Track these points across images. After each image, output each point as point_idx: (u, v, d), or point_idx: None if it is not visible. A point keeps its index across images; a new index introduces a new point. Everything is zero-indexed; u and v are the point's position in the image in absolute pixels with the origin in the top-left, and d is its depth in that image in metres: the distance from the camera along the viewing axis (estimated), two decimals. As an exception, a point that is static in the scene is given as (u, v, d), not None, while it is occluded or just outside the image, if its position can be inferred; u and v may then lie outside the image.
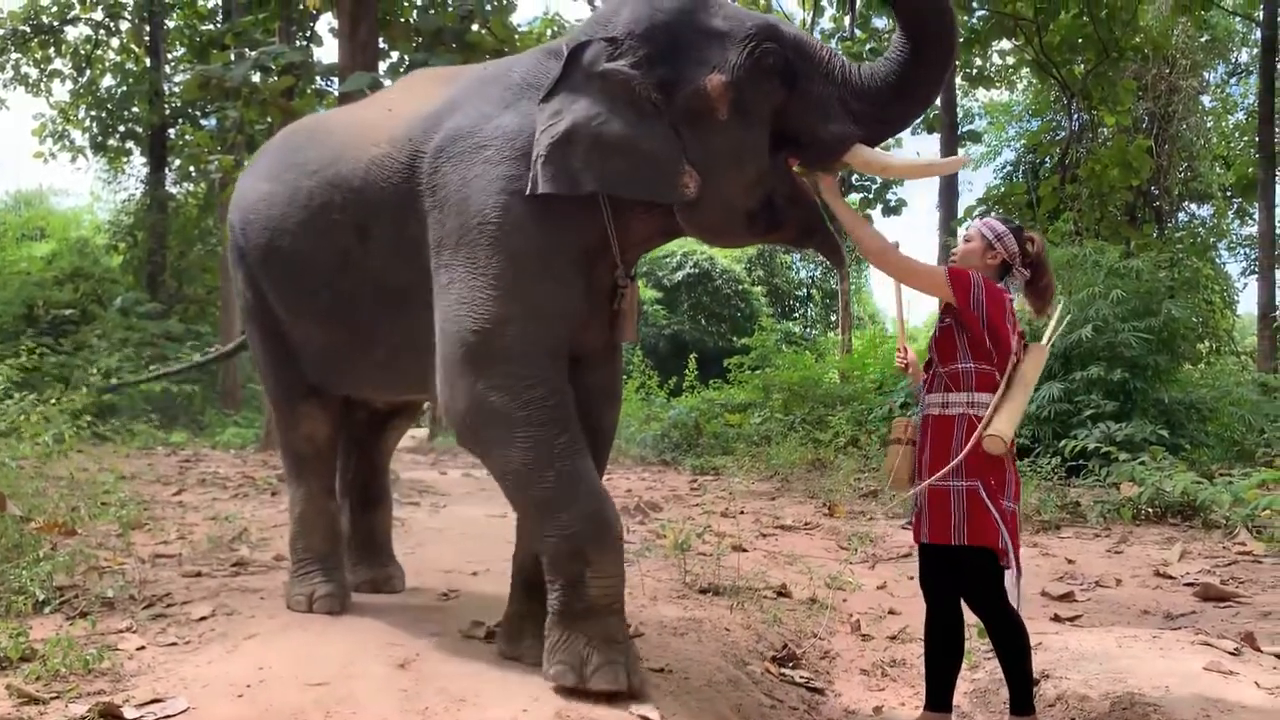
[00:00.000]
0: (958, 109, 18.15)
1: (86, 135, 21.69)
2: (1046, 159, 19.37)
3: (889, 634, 4.19)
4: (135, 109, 20.98)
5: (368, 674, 2.82)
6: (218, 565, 4.47)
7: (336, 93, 10.79)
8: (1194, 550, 5.74)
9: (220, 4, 18.87)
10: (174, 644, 3.17)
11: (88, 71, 21.35)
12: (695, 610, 4.00)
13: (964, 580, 2.90)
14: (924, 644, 3.06)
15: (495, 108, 3.00)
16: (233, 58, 12.82)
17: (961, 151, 15.84)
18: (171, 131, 21.19)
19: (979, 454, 2.80)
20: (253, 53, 11.68)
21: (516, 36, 11.84)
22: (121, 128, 21.77)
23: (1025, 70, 19.40)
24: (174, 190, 21.66)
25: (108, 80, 21.72)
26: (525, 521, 2.87)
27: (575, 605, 2.75)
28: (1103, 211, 16.53)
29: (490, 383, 2.81)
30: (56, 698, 2.62)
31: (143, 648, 3.10)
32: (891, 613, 4.46)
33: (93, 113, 21.58)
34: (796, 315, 31.92)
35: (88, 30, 21.12)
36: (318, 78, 12.32)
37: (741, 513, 6.94)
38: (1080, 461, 8.17)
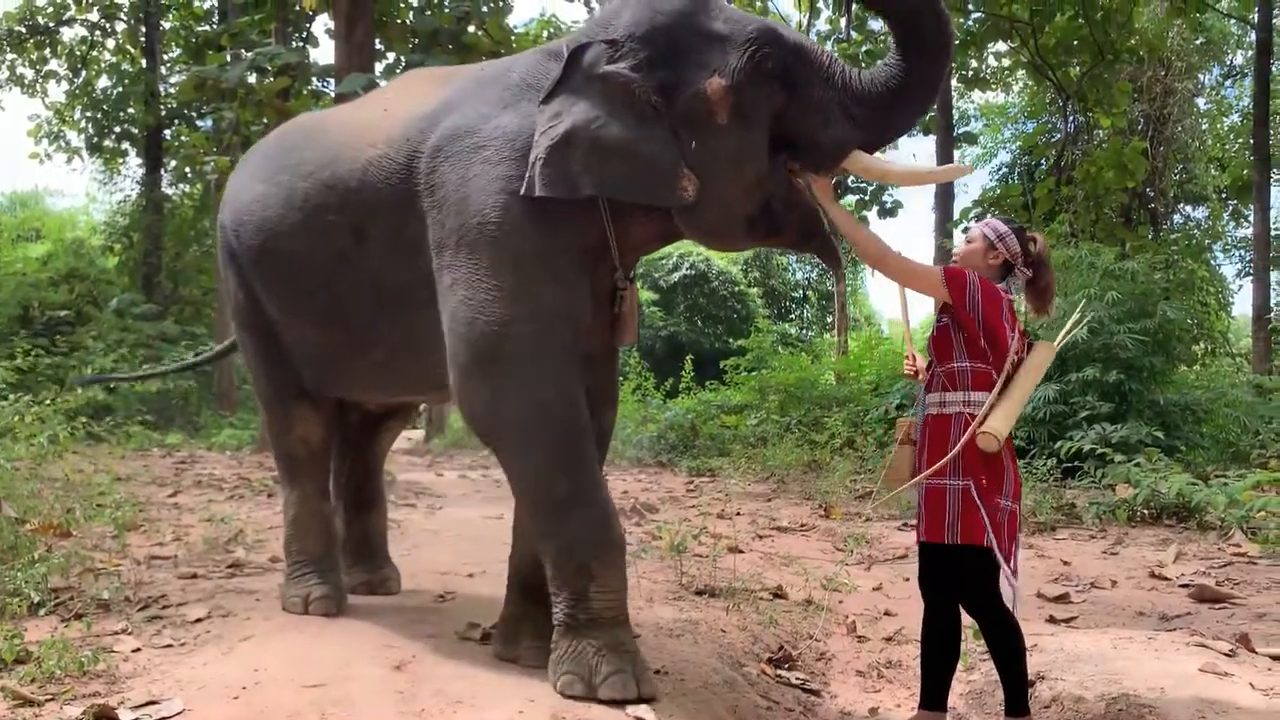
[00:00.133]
0: (953, 111, 18.17)
1: (82, 136, 21.67)
2: (1042, 161, 19.40)
3: (885, 635, 4.19)
4: (131, 110, 20.95)
5: (364, 676, 2.82)
6: (213, 567, 4.47)
7: (333, 94, 10.79)
8: (1189, 552, 5.74)
9: (216, 5, 18.86)
10: (169, 646, 3.16)
11: (83, 72, 21.31)
12: (691, 612, 4.00)
13: (959, 580, 2.90)
14: (920, 643, 3.07)
15: (494, 108, 3.00)
16: (229, 59, 12.82)
17: (958, 154, 15.87)
18: (167, 132, 21.14)
19: (974, 452, 2.81)
20: (249, 54, 11.68)
21: (513, 38, 11.86)
22: (117, 129, 21.73)
23: (1021, 72, 19.42)
24: (170, 191, 21.61)
25: (103, 81, 21.70)
26: (531, 524, 2.87)
27: (579, 616, 2.76)
28: (1098, 213, 16.58)
29: (502, 384, 2.83)
30: (51, 700, 2.62)
31: (138, 649, 3.10)
32: (887, 614, 4.46)
33: (88, 114, 21.54)
34: (792, 317, 31.94)
35: (83, 31, 21.10)
36: (314, 79, 12.33)
37: (738, 514, 6.94)
38: (1076, 463, 8.18)
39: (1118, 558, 5.68)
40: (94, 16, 20.75)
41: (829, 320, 28.64)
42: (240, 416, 16.96)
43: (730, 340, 20.73)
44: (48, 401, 5.63)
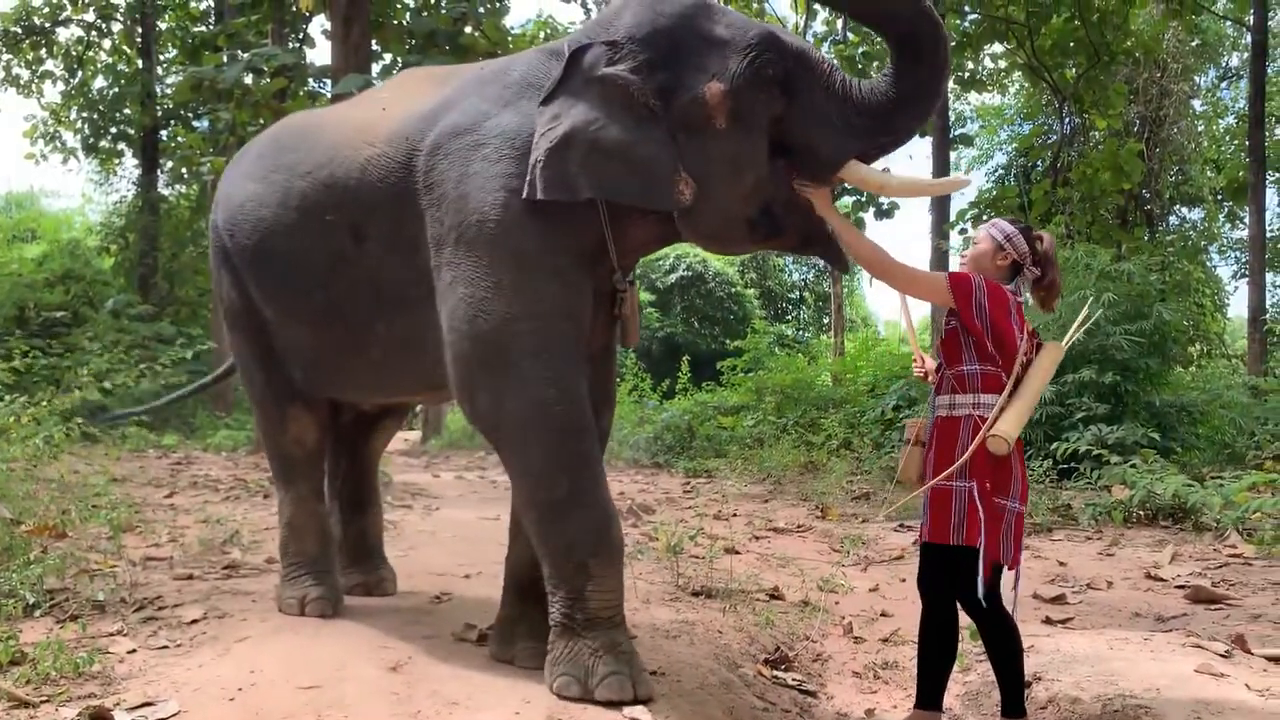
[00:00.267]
0: (950, 112, 18.19)
1: (78, 137, 21.60)
2: (1038, 162, 19.45)
3: (881, 636, 4.19)
4: (127, 110, 20.89)
5: (359, 677, 2.82)
6: (209, 568, 4.46)
7: (329, 95, 10.78)
8: (1185, 553, 5.75)
9: (212, 5, 18.84)
10: (165, 647, 3.16)
11: (79, 73, 21.26)
12: (688, 613, 4.01)
13: (960, 580, 2.90)
14: (918, 643, 3.07)
15: (494, 106, 3.00)
16: (225, 59, 12.81)
17: (954, 156, 15.87)
18: (163, 133, 21.10)
19: (984, 454, 2.81)
20: (245, 55, 11.66)
21: (510, 39, 11.85)
22: (113, 129, 21.67)
23: (1017, 74, 19.42)
24: (166, 192, 21.56)
25: (99, 82, 21.63)
26: (530, 523, 2.86)
27: (576, 617, 2.76)
28: (1094, 215, 16.60)
29: (502, 382, 2.82)
30: (47, 701, 2.62)
31: (134, 651, 3.10)
32: (884, 615, 4.46)
33: (84, 114, 21.48)
34: (789, 318, 32.00)
35: (79, 31, 21.04)
36: (310, 80, 12.31)
37: (734, 515, 6.94)
38: (1072, 464, 8.19)
39: (1114, 559, 5.68)
40: (90, 17, 20.69)
41: (826, 321, 28.71)
42: (236, 417, 16.94)
43: (727, 341, 20.71)
44: (44, 403, 5.62)
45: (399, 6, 12.98)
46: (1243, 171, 16.14)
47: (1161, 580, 5.05)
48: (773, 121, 2.79)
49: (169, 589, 3.93)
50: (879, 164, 2.99)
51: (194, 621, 3.44)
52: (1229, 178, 18.36)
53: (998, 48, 17.69)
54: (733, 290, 27.90)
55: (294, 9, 13.06)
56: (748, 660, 3.61)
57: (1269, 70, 14.96)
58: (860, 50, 15.47)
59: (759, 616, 4.07)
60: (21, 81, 21.28)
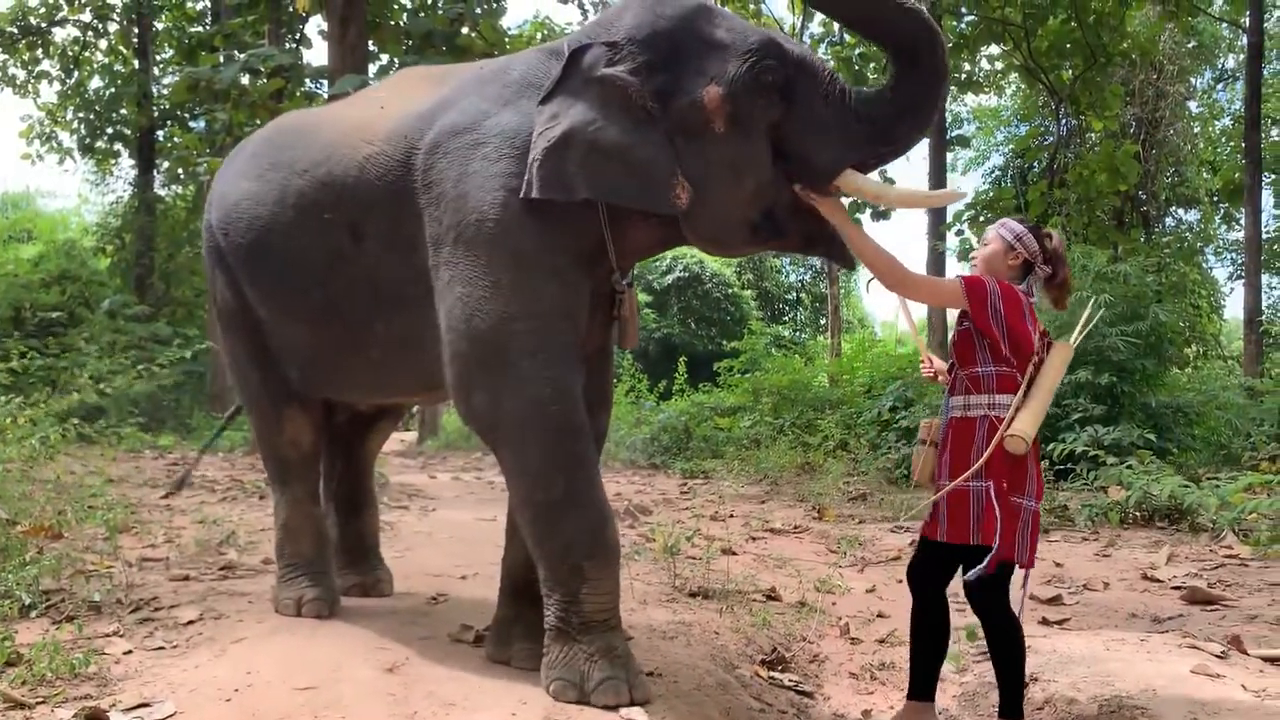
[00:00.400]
0: (947, 114, 18.20)
1: (74, 137, 21.57)
2: (1034, 164, 19.46)
3: (878, 637, 4.20)
4: (123, 111, 20.86)
5: (356, 678, 2.81)
6: (205, 569, 4.45)
7: (326, 95, 10.78)
8: (1181, 554, 5.76)
9: (209, 6, 18.83)
10: (161, 648, 3.15)
11: (75, 73, 21.22)
12: (684, 614, 4.00)
13: (974, 580, 2.89)
14: (910, 635, 3.08)
15: (493, 105, 2.99)
16: (222, 60, 12.82)
17: (951, 157, 15.87)
18: (160, 133, 21.09)
19: (1000, 454, 2.81)
20: (242, 55, 11.68)
21: (506, 40, 11.85)
22: (109, 129, 21.63)
23: (1014, 75, 19.44)
24: (162, 192, 21.54)
25: (96, 82, 21.61)
26: (526, 524, 2.85)
27: (572, 620, 2.75)
28: (1090, 216, 16.61)
29: (500, 382, 2.81)
30: (42, 702, 2.61)
31: (130, 652, 3.09)
32: (880, 616, 4.47)
33: (80, 114, 21.45)
34: (786, 319, 32.00)
35: (76, 32, 21.01)
36: (307, 80, 12.31)
37: (731, 516, 6.94)
38: (1068, 465, 8.20)
39: (1110, 560, 5.69)
40: (86, 17, 20.67)
41: (822, 323, 28.70)
42: (233, 418, 16.92)
43: (724, 342, 20.73)
44: (40, 404, 5.61)
45: (396, 7, 12.99)
46: (1239, 173, 16.16)
47: (1158, 581, 5.05)
48: (771, 127, 2.78)
49: (165, 590, 3.93)
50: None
51: (190, 622, 3.43)
52: (1225, 179, 18.36)
53: (994, 49, 17.70)
54: (730, 291, 27.90)
55: (291, 9, 13.07)
56: (744, 661, 3.62)
57: (1265, 72, 14.99)
58: (857, 52, 15.46)
59: (756, 617, 4.07)
60: (18, 82, 21.26)
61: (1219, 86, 22.57)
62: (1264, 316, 14.19)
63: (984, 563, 2.79)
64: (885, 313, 39.69)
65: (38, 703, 2.60)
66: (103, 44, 21.45)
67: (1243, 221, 16.61)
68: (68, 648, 2.94)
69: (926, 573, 3.03)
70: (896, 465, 9.41)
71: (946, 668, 3.37)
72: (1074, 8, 14.65)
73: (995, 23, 15.72)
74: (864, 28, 2.97)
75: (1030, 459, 2.88)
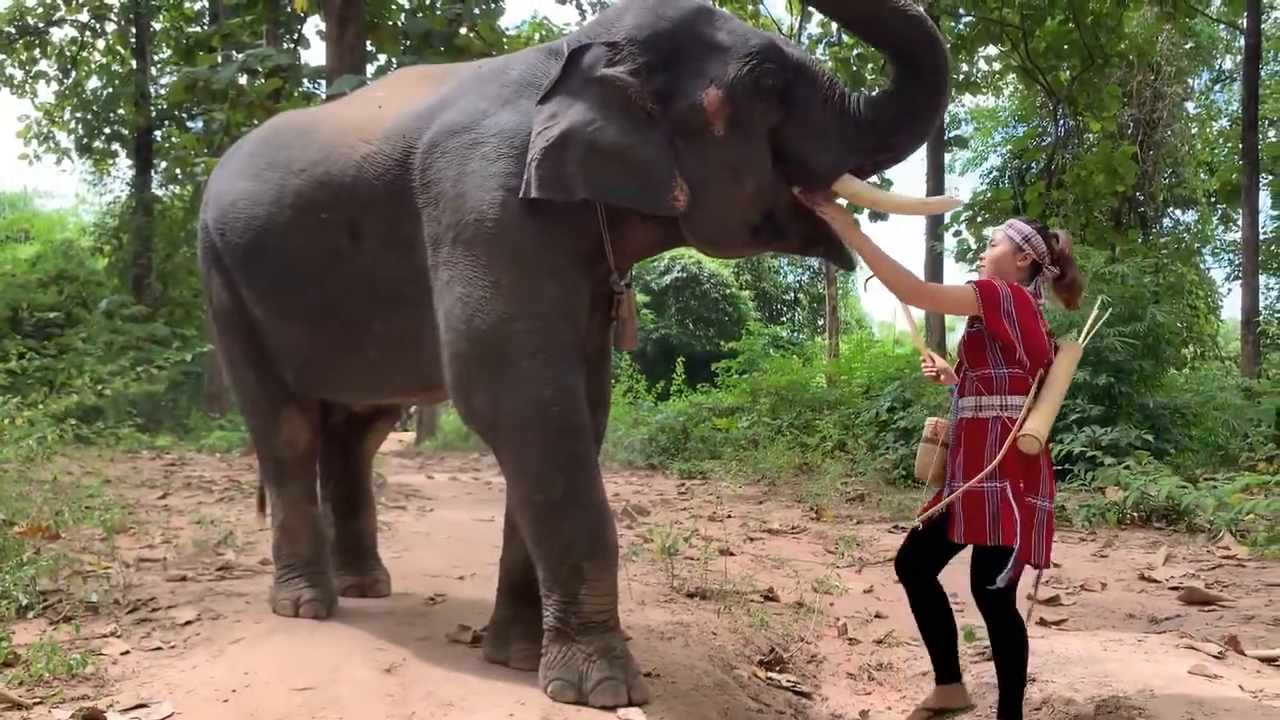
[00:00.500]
0: (944, 114, 18.20)
1: (72, 137, 21.54)
2: (1032, 164, 19.46)
3: (875, 638, 4.20)
4: (121, 111, 20.84)
5: (354, 678, 2.81)
6: (203, 569, 4.45)
7: (324, 95, 10.77)
8: (1178, 554, 5.76)
9: (207, 6, 18.82)
10: (159, 648, 3.15)
11: (73, 73, 21.19)
12: (682, 614, 4.00)
13: (981, 578, 2.89)
14: (918, 627, 3.11)
15: (492, 104, 2.99)
16: (219, 60, 12.80)
17: (949, 158, 15.86)
18: (157, 134, 21.06)
19: (1013, 454, 2.82)
20: (239, 55, 11.68)
21: (504, 40, 11.85)
22: (107, 130, 21.60)
23: (1011, 76, 19.46)
24: (160, 193, 21.50)
25: (93, 82, 21.59)
26: (526, 524, 2.85)
27: (570, 620, 2.75)
28: (1088, 217, 16.62)
29: (499, 382, 2.81)
30: (40, 703, 2.61)
31: (127, 652, 3.09)
32: (878, 616, 4.47)
33: (78, 115, 21.42)
34: (784, 319, 32.00)
35: (73, 32, 20.97)
36: (305, 80, 12.30)
37: (729, 516, 6.94)
38: (1066, 466, 8.20)
39: (1107, 560, 5.69)
40: (84, 17, 20.63)
41: (820, 323, 28.70)
42: (230, 418, 16.89)
43: (721, 343, 20.74)
44: (38, 404, 5.60)
45: (394, 7, 12.99)
46: (1236, 174, 16.17)
47: (1155, 582, 5.06)
48: (770, 131, 2.78)
49: (163, 590, 3.92)
50: None
51: (188, 623, 3.43)
52: (1222, 180, 18.38)
53: (992, 50, 17.71)
54: (728, 292, 27.91)
55: (289, 9, 13.06)
56: (742, 662, 3.62)
57: (1262, 73, 15.00)
58: (855, 53, 15.47)
59: (754, 618, 4.07)
60: (15, 82, 21.22)
61: (1216, 87, 22.63)
62: (1261, 317, 14.19)
63: (1009, 566, 2.79)
64: (883, 313, 39.73)
65: (35, 703, 2.60)
66: (100, 44, 21.43)
67: (1240, 222, 16.63)
68: (65, 648, 2.94)
69: (912, 560, 3.06)
70: (894, 466, 9.41)
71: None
72: (1072, 9, 14.66)
73: (993, 23, 15.73)
74: (863, 29, 2.97)
75: (1042, 458, 2.89)
